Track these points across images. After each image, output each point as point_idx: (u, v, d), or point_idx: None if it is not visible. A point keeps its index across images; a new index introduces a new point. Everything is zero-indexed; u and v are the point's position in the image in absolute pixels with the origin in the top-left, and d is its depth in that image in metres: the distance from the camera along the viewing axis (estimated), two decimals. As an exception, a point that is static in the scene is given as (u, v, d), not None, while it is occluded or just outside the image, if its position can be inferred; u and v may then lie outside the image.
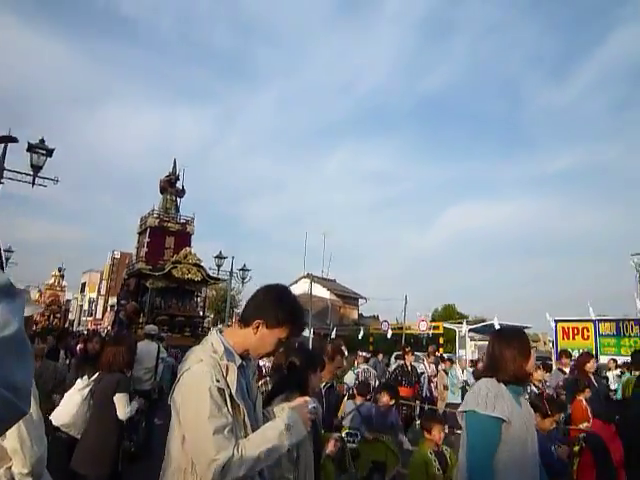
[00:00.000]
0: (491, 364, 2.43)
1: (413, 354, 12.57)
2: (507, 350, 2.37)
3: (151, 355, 7.00)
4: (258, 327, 1.81)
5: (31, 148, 11.72)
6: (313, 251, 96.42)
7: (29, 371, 0.79)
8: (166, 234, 26.61)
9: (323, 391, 3.98)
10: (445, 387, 11.42)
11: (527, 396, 5.20)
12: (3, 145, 11.50)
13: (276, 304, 1.82)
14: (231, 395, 1.69)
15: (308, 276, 36.54)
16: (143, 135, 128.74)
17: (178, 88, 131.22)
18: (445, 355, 14.10)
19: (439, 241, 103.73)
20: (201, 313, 25.95)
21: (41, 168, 11.90)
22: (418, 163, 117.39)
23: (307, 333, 29.95)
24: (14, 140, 11.79)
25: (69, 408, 4.26)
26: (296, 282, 39.69)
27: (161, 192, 26.59)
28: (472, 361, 12.63)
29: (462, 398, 10.99)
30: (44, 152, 11.80)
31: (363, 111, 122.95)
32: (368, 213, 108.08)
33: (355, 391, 5.46)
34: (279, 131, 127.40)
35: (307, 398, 2.00)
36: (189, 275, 24.98)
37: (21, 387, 0.75)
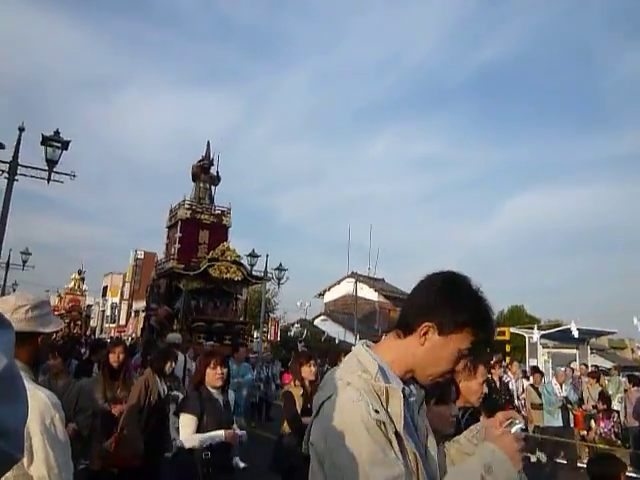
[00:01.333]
0: None
1: (501, 366, 10.85)
2: None
3: (177, 367, 6.27)
4: (426, 333, 1.24)
5: (45, 141, 11.20)
6: (357, 248, 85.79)
7: (21, 412, 0.74)
8: (199, 227, 23.77)
9: (462, 420, 2.63)
10: (534, 406, 10.11)
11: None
12: (17, 139, 11.27)
13: (453, 298, 1.23)
14: (397, 433, 1.17)
15: (352, 275, 34.78)
16: (166, 123, 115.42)
17: (203, 69, 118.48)
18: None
19: (503, 233, 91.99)
20: (242, 318, 22.96)
21: (56, 163, 11.42)
22: (477, 145, 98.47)
23: (352, 340, 27.95)
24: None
25: None
26: (339, 282, 38.04)
27: (193, 180, 23.66)
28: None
29: (563, 419, 9.82)
30: (59, 145, 11.30)
31: (411, 87, 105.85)
32: (419, 203, 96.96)
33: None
34: (315, 114, 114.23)
35: (507, 413, 1.34)
36: (228, 274, 22.14)
37: (11, 431, 0.71)
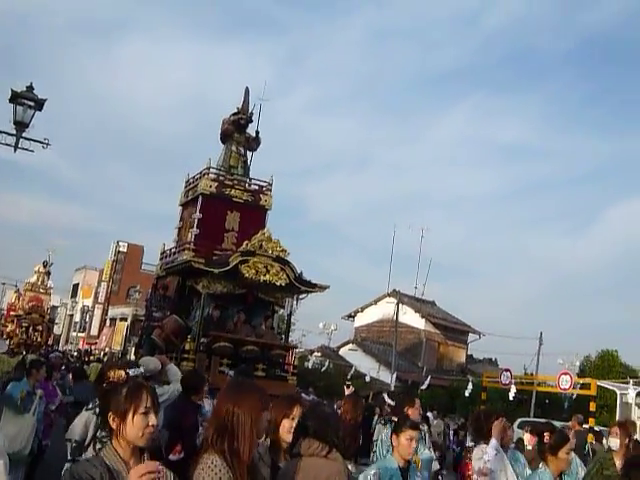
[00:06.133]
0: None
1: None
2: None
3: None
4: None
5: (15, 98, 10.36)
6: (403, 258, 72.75)
7: None
8: (228, 207, 17.23)
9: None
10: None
11: None
12: None
13: None
14: None
15: (394, 294, 29.34)
16: (175, 83, 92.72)
17: (225, 17, 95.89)
18: (598, 428, 11.59)
19: (599, 253, 75.31)
20: (283, 339, 16.78)
21: (27, 126, 10.52)
22: (574, 133, 78.58)
23: (387, 378, 22.64)
24: None
25: None
26: (376, 302, 32.88)
27: (222, 141, 17.44)
28: None
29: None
30: (32, 104, 10.38)
31: (494, 55, 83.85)
32: (490, 206, 78.31)
33: None
34: (367, 82, 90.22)
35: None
36: (267, 276, 15.56)
37: None
